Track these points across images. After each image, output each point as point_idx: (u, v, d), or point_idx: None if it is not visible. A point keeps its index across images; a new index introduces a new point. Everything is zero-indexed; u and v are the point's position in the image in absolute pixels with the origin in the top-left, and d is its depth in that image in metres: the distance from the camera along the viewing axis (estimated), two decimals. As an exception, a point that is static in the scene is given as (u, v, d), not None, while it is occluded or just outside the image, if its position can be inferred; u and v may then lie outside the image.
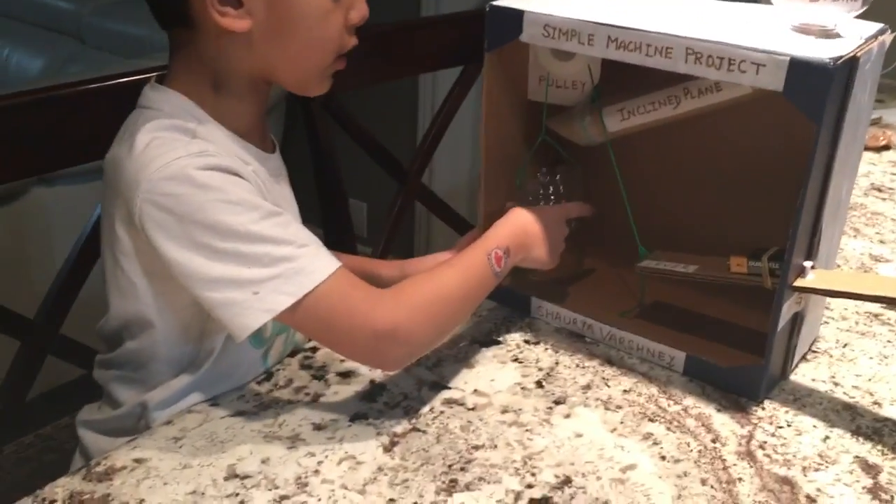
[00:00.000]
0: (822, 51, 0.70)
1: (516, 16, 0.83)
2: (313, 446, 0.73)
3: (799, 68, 0.69)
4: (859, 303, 0.97)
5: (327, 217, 1.40)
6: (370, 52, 1.40)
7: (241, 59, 0.75)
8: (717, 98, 0.82)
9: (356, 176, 1.50)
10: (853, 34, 0.75)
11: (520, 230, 0.86)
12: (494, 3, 0.85)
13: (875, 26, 0.78)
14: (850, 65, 0.71)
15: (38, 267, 1.70)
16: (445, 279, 0.78)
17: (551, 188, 0.96)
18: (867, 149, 1.50)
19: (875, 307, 0.98)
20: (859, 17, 0.76)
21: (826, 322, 0.96)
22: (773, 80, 0.71)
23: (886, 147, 1.51)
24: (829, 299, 0.94)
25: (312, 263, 0.71)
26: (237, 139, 0.77)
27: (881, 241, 1.16)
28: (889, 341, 0.93)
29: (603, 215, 0.96)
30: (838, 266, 1.09)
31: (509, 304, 0.96)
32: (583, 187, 0.98)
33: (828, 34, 0.75)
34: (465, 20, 1.48)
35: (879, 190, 1.34)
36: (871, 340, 0.93)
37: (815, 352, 0.90)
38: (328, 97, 1.30)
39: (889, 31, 0.79)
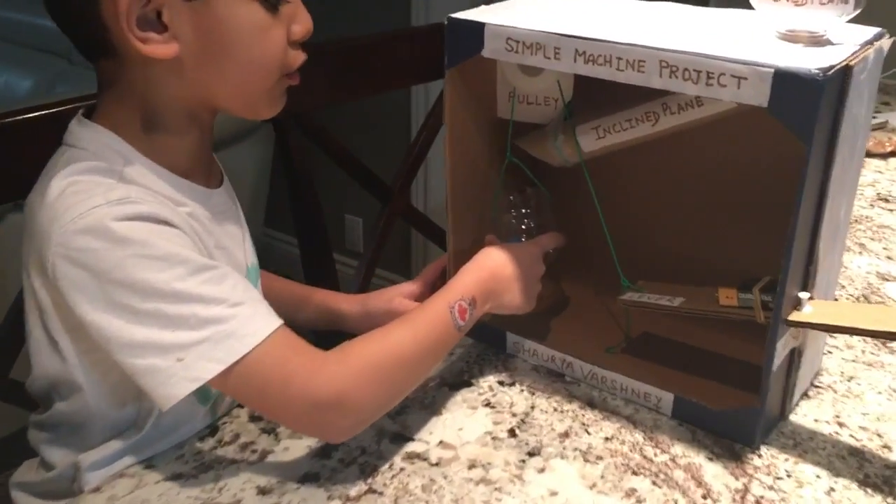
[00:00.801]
0: (810, 60, 0.62)
1: (477, 29, 0.76)
2: (255, 515, 0.66)
3: (784, 81, 0.62)
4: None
5: (302, 237, 1.34)
6: (349, 66, 1.35)
7: (174, 88, 0.68)
8: (698, 114, 0.75)
9: (351, 191, 1.44)
10: (846, 41, 0.67)
11: (488, 275, 0.79)
12: (453, 15, 0.78)
13: (871, 31, 0.70)
14: (842, 75, 0.63)
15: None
16: (399, 338, 0.70)
17: (525, 220, 0.89)
18: (872, 155, 1.42)
19: (883, 333, 0.90)
20: (853, 21, 0.68)
21: (829, 352, 0.88)
22: (756, 94, 0.63)
23: (893, 153, 1.43)
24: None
25: (246, 325, 0.64)
26: (174, 178, 0.70)
27: (889, 258, 1.08)
28: (899, 372, 0.85)
29: (582, 242, 0.88)
30: (841, 287, 1.01)
31: (483, 340, 0.89)
32: (553, 214, 0.90)
33: (817, 41, 0.67)
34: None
35: (886, 200, 1.25)
36: (880, 372, 0.85)
37: (817, 387, 0.82)
38: (301, 114, 1.24)
39: (887, 36, 0.71)
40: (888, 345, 0.89)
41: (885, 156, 1.42)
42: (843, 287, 1.01)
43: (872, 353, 0.88)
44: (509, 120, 0.86)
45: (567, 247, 0.90)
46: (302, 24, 0.71)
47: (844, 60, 0.63)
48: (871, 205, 1.24)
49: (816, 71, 0.61)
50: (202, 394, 0.73)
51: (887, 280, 1.02)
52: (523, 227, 0.90)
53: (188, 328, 0.62)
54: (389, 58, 1.40)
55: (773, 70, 0.62)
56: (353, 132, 2.18)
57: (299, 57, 0.72)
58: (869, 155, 1.42)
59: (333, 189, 2.02)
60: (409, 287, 0.91)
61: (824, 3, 0.64)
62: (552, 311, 0.91)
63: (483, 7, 0.79)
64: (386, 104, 2.29)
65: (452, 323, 0.73)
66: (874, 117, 1.56)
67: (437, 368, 0.84)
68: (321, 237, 1.33)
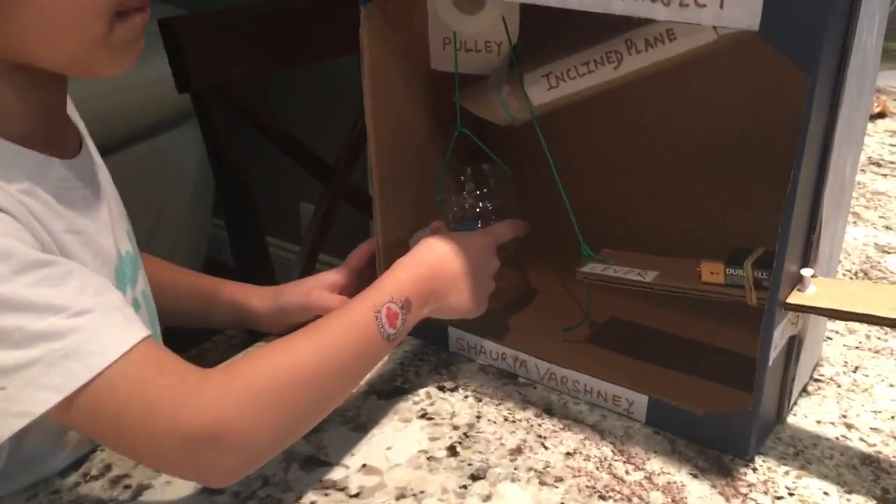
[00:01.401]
0: (812, -32, 0.48)
1: (394, -47, 0.61)
2: (116, 573, 0.51)
3: (781, -6, 0.48)
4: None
5: (231, 222, 1.19)
6: (280, 32, 1.20)
7: None
8: (671, 50, 0.60)
9: (306, 178, 1.30)
10: (853, -52, 0.53)
11: (428, 272, 0.65)
12: (366, -62, 0.63)
13: (882, -62, 0.57)
14: (852, -12, 0.49)
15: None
16: (304, 352, 0.55)
17: (480, 203, 0.74)
18: (860, 117, 1.29)
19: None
20: None
21: (829, 338, 0.74)
22: (743, 14, 0.49)
23: (882, 115, 1.30)
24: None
25: (92, 341, 0.48)
26: (6, 146, 0.54)
27: (887, 227, 0.95)
28: (912, 360, 0.72)
29: (541, 215, 0.74)
30: (839, 263, 0.87)
31: (421, 337, 0.74)
32: (515, 195, 0.75)
33: (818, -51, 0.53)
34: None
35: (878, 165, 1.13)
36: (889, 360, 0.72)
37: (818, 380, 0.69)
38: (222, 85, 1.09)
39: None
40: (897, 327, 0.76)
41: (872, 117, 1.29)
42: (840, 262, 0.88)
43: (879, 338, 0.75)
44: (447, 73, 0.71)
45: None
46: None
47: (854, -31, 0.50)
48: (863, 170, 1.11)
49: (821, -20, 0.47)
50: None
51: (888, 252, 0.90)
52: (478, 210, 0.76)
53: (11, 346, 0.47)
54: (328, 22, 1.25)
55: (765, -19, 0.48)
56: (292, 108, 2.02)
57: None
58: (856, 117, 1.29)
59: (287, 176, 1.87)
60: (332, 276, 0.77)
61: None
62: (510, 303, 0.77)
63: (405, -72, 0.65)
64: (328, 75, 2.13)
65: (378, 331, 0.59)
66: (858, 78, 1.44)
67: (364, 372, 0.70)
68: (251, 221, 1.19)
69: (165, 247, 2.02)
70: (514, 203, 0.75)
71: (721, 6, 0.50)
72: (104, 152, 0.72)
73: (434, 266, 0.65)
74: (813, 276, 0.57)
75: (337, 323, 0.59)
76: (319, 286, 0.76)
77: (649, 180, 0.74)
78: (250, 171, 1.17)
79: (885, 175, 1.09)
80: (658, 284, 0.65)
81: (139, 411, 0.49)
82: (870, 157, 1.15)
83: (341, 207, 1.29)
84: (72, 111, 0.66)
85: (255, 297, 0.77)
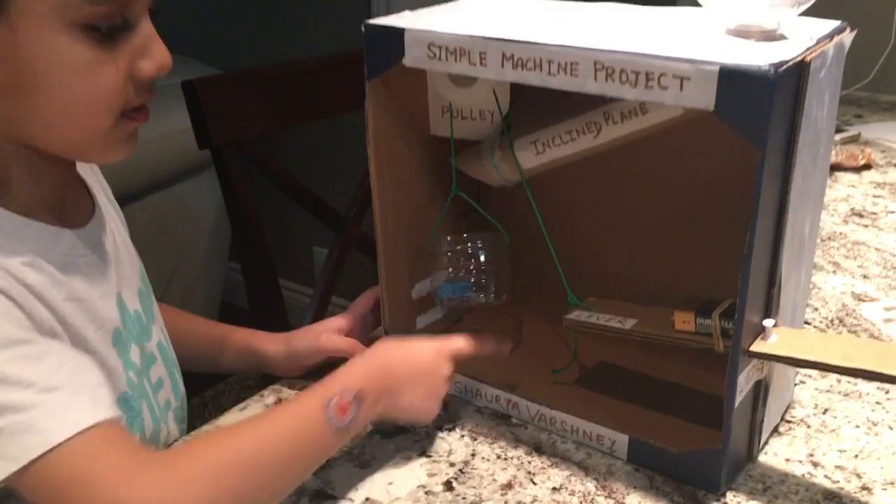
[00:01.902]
0: (760, 56, 0.55)
1: (397, 35, 0.68)
2: None
3: (732, 80, 0.54)
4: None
5: (245, 264, 1.26)
6: (293, 90, 1.28)
7: None
8: (644, 122, 0.67)
9: (318, 223, 1.37)
10: (802, 35, 0.60)
11: (382, 371, 0.66)
12: (371, 21, 0.70)
13: (830, 24, 0.63)
14: (797, 72, 0.56)
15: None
16: (250, 439, 0.58)
17: (472, 257, 0.80)
18: (844, 169, 1.35)
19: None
20: (812, 14, 0.62)
21: (802, 382, 0.80)
22: (701, 96, 0.56)
23: (867, 167, 1.36)
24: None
25: (52, 417, 0.52)
26: (14, 219, 0.60)
27: (864, 276, 1.01)
28: (878, 403, 0.77)
29: (532, 267, 0.80)
30: (814, 309, 0.93)
31: (423, 380, 0.80)
32: (508, 262, 0.80)
33: (770, 36, 0.60)
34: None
35: (860, 216, 1.18)
36: (857, 403, 0.77)
37: (789, 421, 0.74)
38: (241, 141, 1.16)
39: (848, 30, 0.64)
40: (866, 372, 0.81)
41: (858, 169, 1.35)
42: (817, 309, 0.93)
43: (849, 382, 0.80)
44: (445, 139, 0.78)
45: (517, 273, 0.82)
46: (154, 59, 0.60)
47: (800, 56, 0.56)
48: (845, 221, 1.17)
49: (767, 67, 0.53)
50: None
51: (863, 301, 0.95)
52: (471, 270, 0.80)
53: None
54: (338, 81, 1.33)
55: (718, 68, 0.54)
56: (305, 160, 2.10)
57: (143, 96, 0.61)
58: (841, 168, 1.35)
59: (299, 223, 1.94)
60: (338, 322, 0.83)
61: (774, -7, 0.57)
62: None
63: (406, 12, 0.72)
64: (339, 129, 2.22)
65: (326, 423, 0.60)
66: (846, 129, 1.51)
67: (369, 413, 0.76)
68: (265, 266, 1.25)
69: (183, 290, 2.09)
70: (506, 265, 0.80)
71: (681, 88, 0.56)
72: (125, 201, 0.78)
73: (387, 366, 0.67)
74: (775, 325, 0.63)
75: (285, 412, 0.62)
76: (328, 330, 0.82)
77: (629, 236, 0.80)
78: (265, 218, 1.24)
79: (866, 226, 1.15)
80: (636, 332, 0.71)
81: (82, 486, 0.52)
82: (853, 208, 1.21)
83: (352, 254, 1.36)
84: (87, 171, 0.72)
85: (269, 343, 0.83)
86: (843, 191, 1.28)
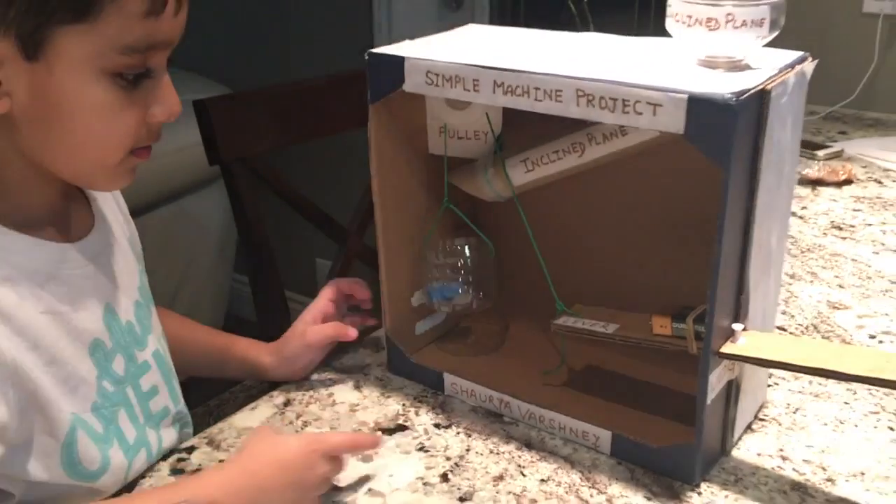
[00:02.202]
0: (725, 86, 0.61)
1: (397, 63, 0.74)
2: (166, 573, 0.62)
3: (699, 107, 0.60)
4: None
5: (252, 275, 1.31)
6: (299, 108, 1.34)
7: (3, 141, 0.63)
8: (624, 143, 0.73)
9: (320, 236, 1.43)
10: (765, 65, 0.66)
11: (246, 478, 0.65)
12: (374, 50, 0.76)
13: (792, 55, 0.69)
14: (759, 99, 0.62)
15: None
16: None
17: (459, 262, 0.86)
18: (826, 184, 1.41)
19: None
20: (799, 36, 0.68)
21: (775, 384, 0.85)
22: (671, 121, 0.62)
23: (848, 181, 1.42)
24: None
25: None
26: (10, 234, 0.64)
27: (840, 286, 1.06)
28: (846, 403, 0.82)
29: (524, 278, 0.86)
30: (791, 317, 0.99)
31: (421, 381, 0.86)
32: (493, 267, 0.87)
33: (736, 66, 0.66)
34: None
35: (839, 228, 1.24)
36: (826, 403, 0.83)
37: (762, 420, 0.80)
38: (248, 158, 1.22)
39: (810, 60, 0.70)
40: (836, 374, 0.87)
41: (839, 184, 1.41)
42: (793, 317, 0.99)
43: (820, 384, 0.86)
44: (442, 157, 0.84)
45: (508, 283, 0.88)
46: (166, 106, 0.65)
47: (761, 84, 0.62)
48: (825, 233, 1.23)
49: (730, 96, 0.59)
50: (81, 472, 0.68)
51: (838, 309, 1.01)
52: (460, 276, 0.87)
53: None
54: (342, 99, 1.39)
55: (686, 96, 0.61)
56: (310, 176, 2.16)
57: (152, 138, 0.67)
58: (823, 183, 1.41)
59: (304, 236, 2.00)
60: (314, 312, 0.87)
61: (738, 27, 0.63)
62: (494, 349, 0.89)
63: (406, 42, 0.78)
64: (341, 146, 2.29)
65: None
66: (829, 146, 1.57)
67: (371, 413, 0.82)
68: (271, 277, 1.31)
69: (190, 301, 2.14)
70: (491, 272, 0.87)
71: (654, 114, 0.62)
72: (134, 214, 0.82)
73: (251, 474, 0.66)
74: (744, 329, 0.69)
75: None
76: (309, 323, 0.86)
77: (612, 247, 0.86)
78: (271, 231, 1.29)
79: (843, 238, 1.21)
80: (618, 335, 0.77)
81: None
82: (832, 221, 1.27)
83: (355, 266, 1.41)
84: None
85: (265, 355, 0.87)
86: (825, 205, 1.34)
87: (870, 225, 1.25)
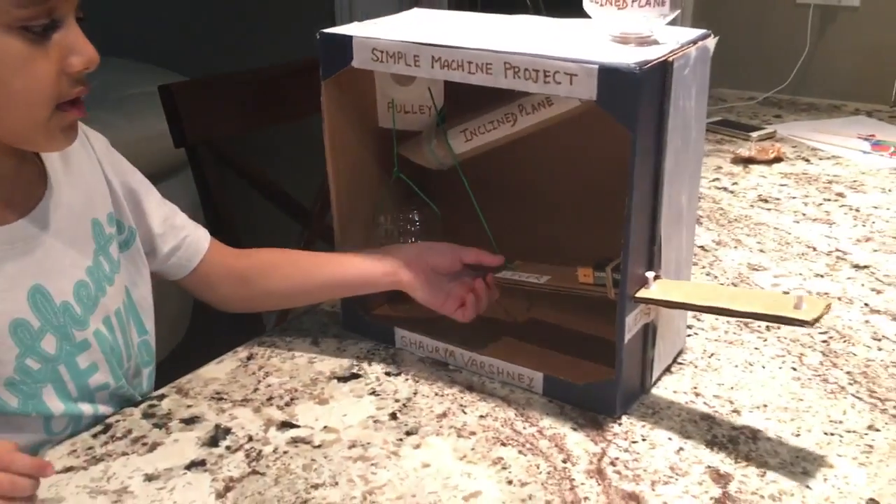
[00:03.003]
0: (631, 58, 0.69)
1: (346, 41, 0.82)
2: (140, 499, 0.70)
3: (608, 76, 0.69)
4: (729, 312, 0.96)
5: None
6: (262, 94, 1.41)
7: None
8: (550, 112, 0.82)
9: (286, 218, 1.49)
10: (670, 40, 0.75)
11: None
12: (325, 30, 0.84)
13: (695, 32, 0.78)
14: (661, 69, 0.71)
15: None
16: None
17: (409, 227, 0.95)
18: (757, 162, 1.51)
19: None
20: (736, 24, 0.76)
21: (695, 333, 0.94)
22: (585, 89, 0.70)
23: (778, 160, 1.52)
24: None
25: None
26: None
27: (761, 251, 1.16)
28: (756, 348, 0.92)
29: (466, 236, 0.94)
30: (714, 277, 1.08)
31: (374, 337, 0.94)
32: (440, 233, 0.95)
33: (645, 42, 0.74)
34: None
35: (766, 201, 1.34)
36: (739, 349, 0.92)
37: (680, 363, 0.89)
38: (213, 141, 1.29)
39: (712, 37, 0.79)
40: (749, 324, 0.96)
41: (769, 162, 1.51)
42: (716, 277, 1.08)
43: (735, 333, 0.95)
44: (391, 130, 0.92)
45: (455, 243, 0.96)
46: (82, 54, 0.68)
47: (663, 56, 0.71)
48: (752, 205, 1.32)
49: (635, 66, 0.68)
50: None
51: (757, 270, 1.10)
52: (406, 236, 0.96)
53: None
54: (303, 87, 1.45)
55: (597, 66, 0.69)
56: (273, 160, 2.22)
57: (77, 89, 0.69)
58: (754, 161, 1.51)
59: (269, 218, 2.06)
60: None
61: (643, 6, 0.71)
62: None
63: (355, 23, 0.86)
64: (305, 131, 2.35)
65: None
66: (763, 128, 1.67)
67: (327, 363, 0.89)
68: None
69: (157, 287, 2.19)
70: (439, 235, 0.95)
71: (571, 83, 0.71)
72: None
73: None
74: (657, 278, 0.78)
75: None
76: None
77: (546, 208, 0.94)
78: (237, 214, 1.36)
79: (769, 209, 1.31)
80: (548, 285, 0.85)
81: None
82: (760, 195, 1.37)
83: (317, 245, 1.48)
84: (105, 154, 0.81)
85: (377, 265, 0.88)
86: (754, 181, 1.44)
87: (794, 198, 1.35)
